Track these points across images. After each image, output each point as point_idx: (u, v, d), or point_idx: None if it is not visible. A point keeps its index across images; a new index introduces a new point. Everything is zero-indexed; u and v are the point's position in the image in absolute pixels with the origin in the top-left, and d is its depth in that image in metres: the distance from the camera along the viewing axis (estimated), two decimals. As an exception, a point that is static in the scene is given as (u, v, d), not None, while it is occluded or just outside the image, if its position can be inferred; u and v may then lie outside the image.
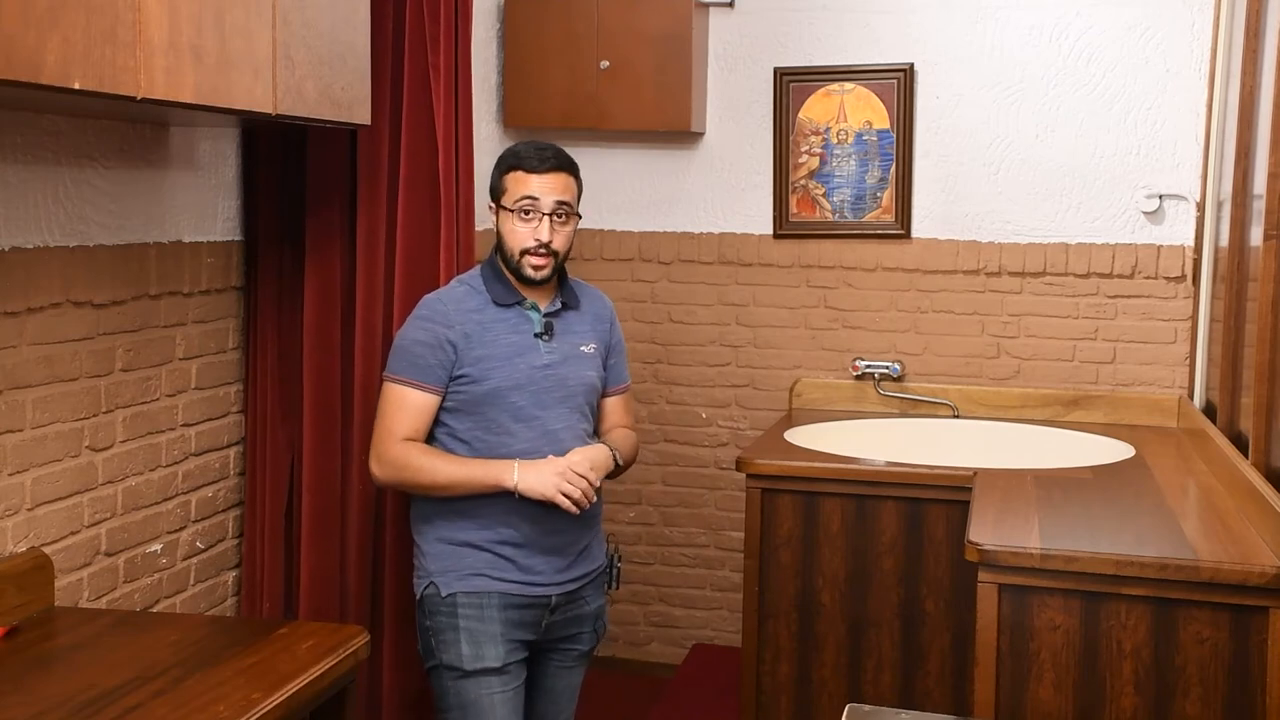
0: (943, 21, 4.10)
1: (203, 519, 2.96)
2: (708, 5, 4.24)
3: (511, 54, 4.22)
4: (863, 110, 4.16)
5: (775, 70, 4.21)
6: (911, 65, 4.10)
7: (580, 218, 2.77)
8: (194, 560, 2.94)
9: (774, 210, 4.26)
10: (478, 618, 2.63)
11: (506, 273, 2.71)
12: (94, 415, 2.59)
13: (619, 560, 2.91)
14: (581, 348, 2.76)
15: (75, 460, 2.55)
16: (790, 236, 4.27)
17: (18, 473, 2.40)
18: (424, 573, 2.69)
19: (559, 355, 2.71)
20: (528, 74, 4.21)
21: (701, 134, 4.31)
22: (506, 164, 2.70)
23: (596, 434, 2.84)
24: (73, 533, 2.55)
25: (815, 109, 4.20)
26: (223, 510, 3.03)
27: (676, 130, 4.18)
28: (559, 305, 2.76)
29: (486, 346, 2.65)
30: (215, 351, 2.97)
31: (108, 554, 2.65)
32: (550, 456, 2.63)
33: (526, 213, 2.65)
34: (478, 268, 2.77)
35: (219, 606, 3.04)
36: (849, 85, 4.16)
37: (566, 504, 2.59)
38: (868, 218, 4.20)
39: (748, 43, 4.26)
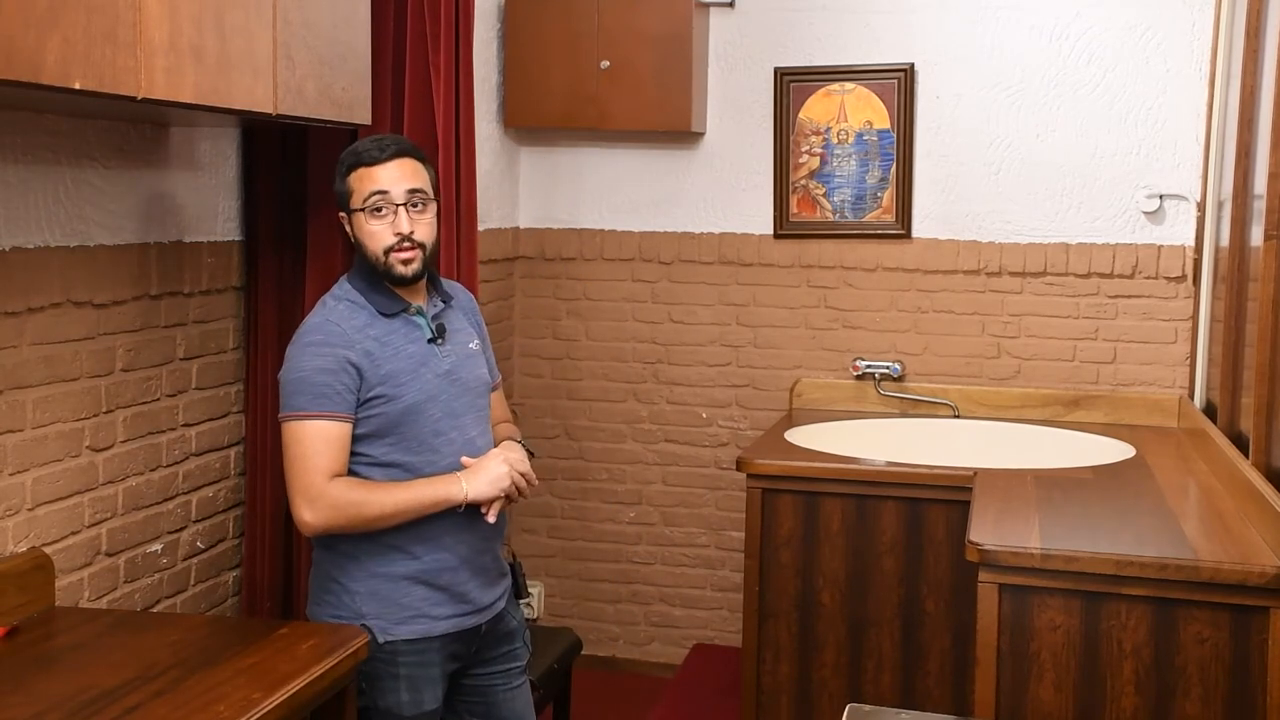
0: (943, 21, 4.10)
1: (203, 519, 2.96)
2: (708, 5, 4.24)
3: (511, 54, 4.23)
4: (863, 110, 4.16)
5: (775, 70, 4.21)
6: (912, 65, 4.10)
7: (438, 204, 2.55)
8: (194, 560, 2.94)
9: (774, 210, 4.26)
10: (419, 664, 2.45)
11: (382, 280, 2.47)
12: (94, 415, 2.59)
13: (520, 568, 2.71)
14: (469, 345, 2.59)
15: (76, 460, 2.55)
16: (790, 236, 4.27)
17: (18, 473, 2.40)
18: (351, 614, 2.43)
19: (455, 357, 2.53)
20: (528, 74, 4.21)
21: (702, 134, 4.31)
22: (347, 165, 2.46)
23: None
24: (73, 533, 2.55)
25: (815, 109, 4.20)
26: (223, 510, 3.04)
27: (677, 130, 4.18)
28: (440, 305, 2.57)
29: (390, 361, 2.42)
30: (215, 351, 2.97)
31: (108, 554, 2.65)
32: (479, 458, 2.46)
33: (379, 209, 2.42)
34: (342, 284, 2.51)
35: (219, 607, 3.04)
36: (849, 85, 4.16)
37: (514, 493, 2.45)
38: (868, 218, 4.20)
39: (748, 43, 4.26)
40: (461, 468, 2.45)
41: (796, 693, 3.50)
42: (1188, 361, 3.98)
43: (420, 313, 2.51)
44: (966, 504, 3.07)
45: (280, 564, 3.05)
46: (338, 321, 2.43)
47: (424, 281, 2.53)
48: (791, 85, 4.20)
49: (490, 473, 2.43)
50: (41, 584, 2.40)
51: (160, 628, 2.37)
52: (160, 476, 2.81)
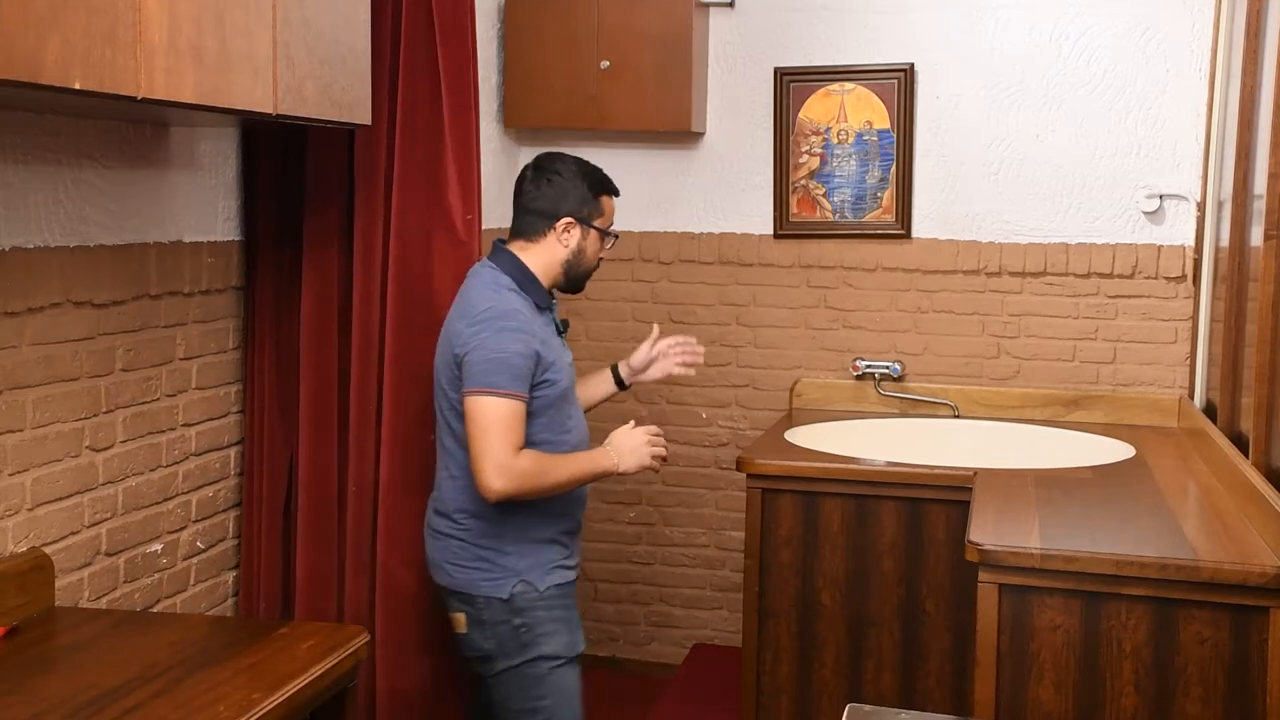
0: (943, 21, 4.10)
1: (203, 519, 2.96)
2: (708, 5, 4.24)
3: (511, 54, 4.22)
4: (863, 110, 4.16)
5: (775, 70, 4.21)
6: (912, 65, 4.10)
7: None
8: (194, 560, 2.94)
9: (774, 210, 4.26)
10: (568, 606, 2.76)
11: (543, 279, 2.78)
12: (94, 415, 2.59)
13: None
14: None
15: (76, 460, 2.55)
16: (790, 236, 4.27)
17: (18, 473, 2.40)
18: (508, 572, 2.69)
19: (569, 351, 2.88)
20: (528, 74, 4.21)
21: (702, 134, 4.31)
22: (603, 186, 2.84)
23: None
24: (73, 533, 2.55)
25: (815, 109, 4.20)
26: (223, 510, 3.04)
27: (677, 130, 4.18)
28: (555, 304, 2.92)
29: (550, 352, 2.72)
30: (215, 351, 2.97)
31: (108, 554, 2.65)
32: (622, 430, 2.78)
33: (615, 237, 2.90)
34: (496, 274, 2.75)
35: (219, 606, 3.04)
36: (849, 85, 4.16)
37: (658, 463, 2.81)
38: (868, 218, 4.20)
39: (748, 43, 4.26)
40: (585, 444, 2.80)
41: (796, 693, 3.50)
42: (1188, 361, 3.98)
43: (554, 310, 2.86)
44: (966, 504, 3.07)
45: (277, 564, 3.05)
46: (521, 310, 2.69)
47: None
48: (791, 85, 4.20)
49: (634, 446, 2.76)
50: (41, 584, 2.40)
51: (160, 628, 2.37)
52: (160, 476, 2.81)
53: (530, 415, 2.66)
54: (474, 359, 2.61)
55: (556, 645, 2.71)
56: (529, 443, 2.65)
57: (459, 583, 2.72)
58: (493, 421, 2.57)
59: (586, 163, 2.86)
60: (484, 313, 2.65)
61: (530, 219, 2.80)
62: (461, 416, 2.65)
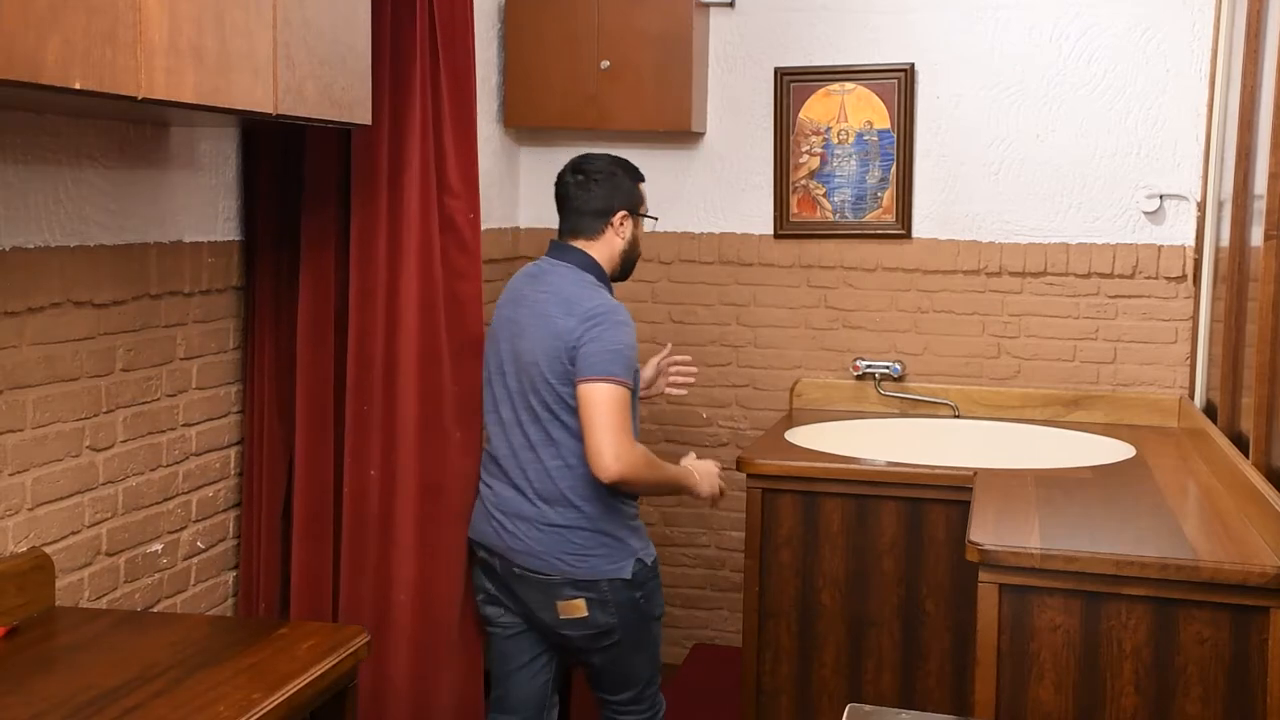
0: (943, 21, 4.10)
1: (203, 519, 2.96)
2: (708, 5, 4.24)
3: (512, 54, 4.22)
4: (863, 110, 4.16)
5: (776, 70, 4.21)
6: (912, 65, 4.10)
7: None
8: (194, 560, 2.94)
9: (774, 210, 4.26)
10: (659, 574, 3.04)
11: (608, 274, 3.00)
12: (95, 415, 2.59)
13: None
14: None
15: (76, 460, 2.55)
16: (791, 236, 4.27)
17: (18, 473, 2.40)
18: (626, 552, 2.89)
19: None
20: (528, 74, 4.21)
21: (702, 134, 4.31)
22: (638, 174, 3.06)
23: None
24: (73, 533, 2.55)
25: (816, 109, 4.20)
26: (223, 510, 3.04)
27: (677, 130, 4.18)
28: None
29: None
30: (216, 351, 2.97)
31: (108, 554, 2.65)
32: (691, 457, 3.13)
33: (652, 219, 3.13)
34: (583, 274, 2.94)
35: (219, 606, 3.04)
36: (849, 85, 4.16)
37: (714, 500, 3.13)
38: (868, 218, 4.20)
39: (748, 43, 4.26)
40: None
41: (796, 693, 3.50)
42: (1188, 361, 3.98)
43: None
44: (966, 504, 3.07)
45: (276, 564, 3.05)
46: (619, 305, 2.90)
47: None
48: (792, 85, 4.20)
49: (708, 473, 3.09)
50: (41, 584, 2.40)
51: (160, 628, 2.37)
52: (160, 476, 2.81)
53: None
54: (591, 350, 2.78)
55: (658, 606, 2.99)
56: None
57: (581, 571, 2.86)
58: (613, 407, 2.76)
59: (618, 157, 3.06)
60: (596, 308, 2.84)
61: (586, 220, 2.98)
62: (572, 408, 2.81)
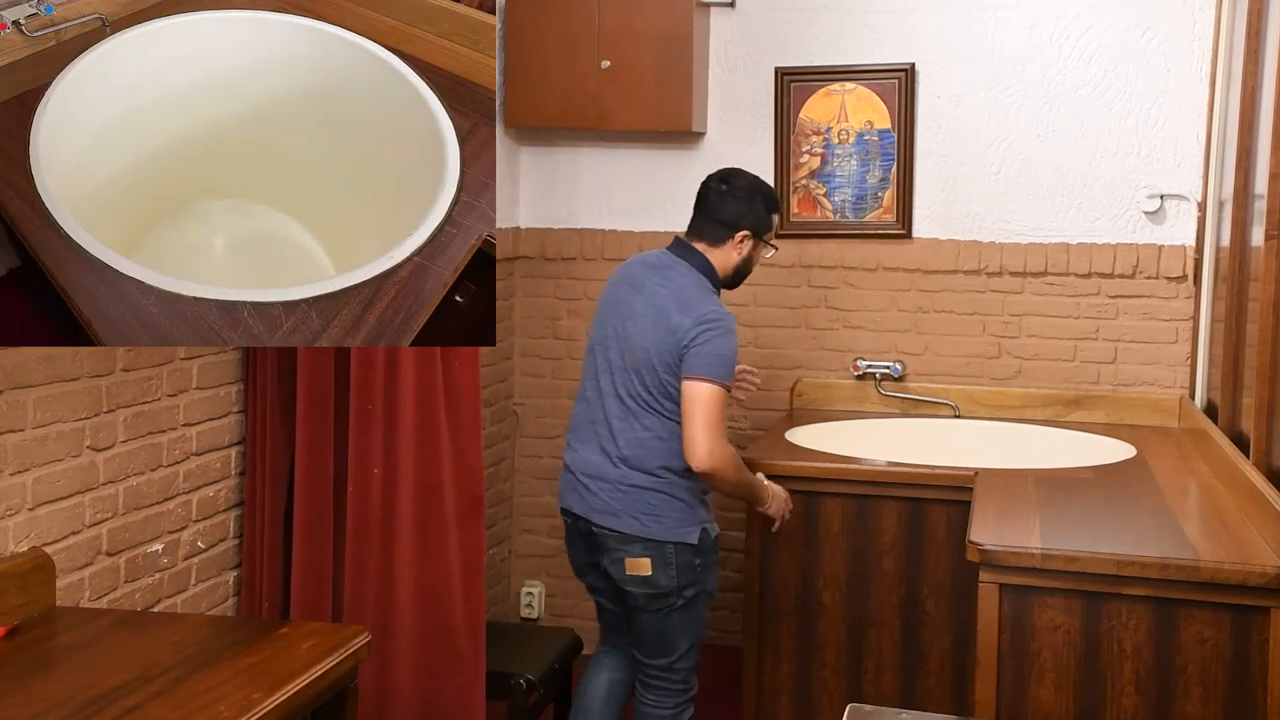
0: (943, 21, 4.10)
1: (204, 519, 2.96)
2: (708, 5, 4.24)
3: (512, 54, 4.22)
4: (864, 110, 4.16)
5: (776, 70, 4.21)
6: (912, 65, 4.10)
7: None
8: (195, 560, 2.94)
9: (775, 210, 4.26)
10: (718, 552, 3.21)
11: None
12: (95, 415, 2.59)
13: None
14: None
15: (76, 460, 2.55)
16: (791, 236, 4.26)
17: (19, 472, 2.40)
18: (694, 520, 3.09)
19: None
20: (528, 74, 4.21)
21: (702, 134, 4.31)
22: (775, 205, 3.23)
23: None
24: (74, 532, 2.55)
25: (816, 109, 4.20)
26: (224, 510, 3.04)
27: (677, 130, 4.18)
28: None
29: None
30: (216, 351, 2.97)
31: (109, 554, 2.65)
32: (776, 485, 3.32)
33: (773, 248, 3.28)
34: (702, 279, 3.13)
35: (220, 606, 3.04)
36: (850, 85, 4.16)
37: (779, 521, 3.32)
38: (869, 218, 4.20)
39: (748, 43, 4.26)
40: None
41: (797, 693, 3.50)
42: (1188, 361, 3.98)
43: None
44: (967, 504, 3.07)
45: (279, 564, 3.05)
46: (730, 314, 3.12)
47: None
48: (792, 85, 4.20)
49: (778, 494, 3.31)
50: (42, 584, 2.40)
51: (160, 628, 2.37)
52: (160, 476, 2.81)
53: None
54: (704, 351, 3.01)
55: (713, 582, 3.17)
56: None
57: (654, 531, 3.06)
58: (712, 406, 3.00)
59: (764, 182, 3.22)
60: (710, 314, 3.05)
61: (714, 227, 3.15)
62: (674, 397, 3.04)
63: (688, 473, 3.06)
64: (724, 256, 3.17)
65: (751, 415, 4.35)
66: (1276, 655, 2.47)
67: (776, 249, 3.31)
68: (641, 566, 3.08)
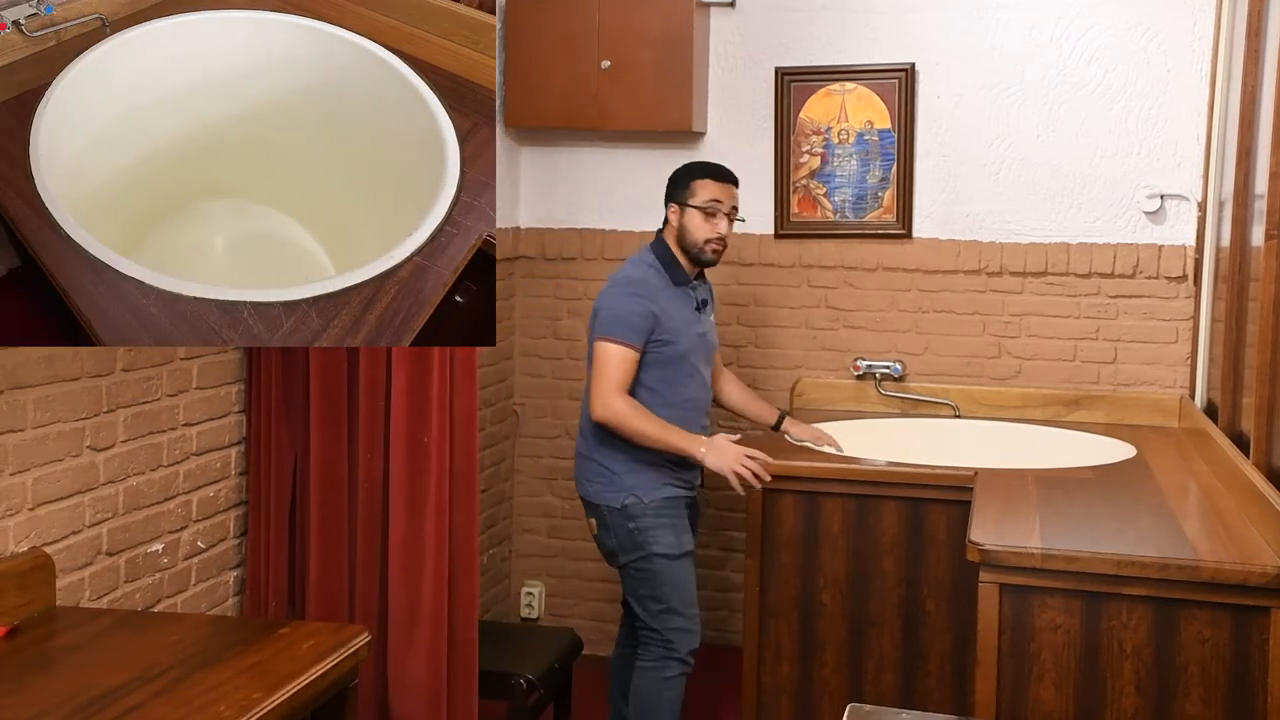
0: (943, 21, 4.10)
1: (204, 519, 2.96)
2: (709, 5, 4.24)
3: (512, 54, 4.22)
4: (864, 110, 4.16)
5: (776, 70, 4.21)
6: (912, 65, 4.10)
7: (744, 221, 3.65)
8: (195, 560, 2.94)
9: (775, 210, 4.26)
10: (675, 514, 3.37)
11: (682, 259, 3.41)
12: (95, 415, 2.59)
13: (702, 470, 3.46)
14: (712, 318, 3.57)
15: (76, 460, 2.55)
16: (791, 236, 4.26)
17: (19, 472, 2.40)
18: (620, 487, 3.33)
19: (706, 325, 3.49)
20: (528, 74, 4.21)
21: (702, 134, 4.31)
22: (693, 173, 3.43)
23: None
24: (74, 532, 2.55)
25: (816, 109, 4.20)
26: (224, 510, 3.04)
27: (677, 130, 4.18)
28: (702, 286, 3.51)
29: (673, 319, 3.35)
30: (216, 350, 2.97)
31: (109, 554, 2.65)
32: (724, 435, 3.35)
33: (712, 213, 3.38)
34: (646, 254, 3.42)
35: (220, 606, 3.04)
36: (850, 85, 4.16)
37: (736, 483, 3.27)
38: (869, 218, 4.20)
39: (748, 43, 4.26)
40: (702, 401, 3.48)
41: (797, 693, 3.50)
42: (1188, 361, 3.98)
43: (694, 288, 3.46)
44: (967, 504, 3.07)
45: (285, 563, 3.05)
46: (647, 280, 3.35)
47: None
48: (792, 85, 4.20)
49: (724, 452, 3.28)
50: (42, 584, 2.40)
51: (160, 627, 2.37)
52: (161, 476, 2.81)
53: (647, 365, 3.31)
54: (602, 314, 3.30)
55: (664, 545, 3.31)
56: (644, 387, 3.31)
57: (589, 494, 3.39)
58: (606, 362, 3.25)
59: (699, 161, 3.57)
60: (619, 279, 3.37)
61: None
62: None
63: (602, 435, 3.29)
64: (671, 235, 3.43)
65: (751, 415, 4.35)
66: (1277, 655, 2.47)
67: (734, 218, 3.45)
68: (592, 526, 3.43)
